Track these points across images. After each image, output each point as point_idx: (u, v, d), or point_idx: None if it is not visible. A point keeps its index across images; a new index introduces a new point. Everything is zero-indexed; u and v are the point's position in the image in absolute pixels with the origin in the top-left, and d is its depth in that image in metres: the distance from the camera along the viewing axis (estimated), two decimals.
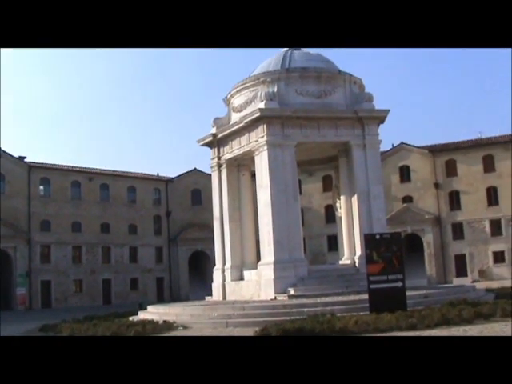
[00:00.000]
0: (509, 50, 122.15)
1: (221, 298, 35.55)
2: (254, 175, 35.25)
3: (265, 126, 32.45)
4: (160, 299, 69.25)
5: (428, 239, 69.51)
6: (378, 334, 19.95)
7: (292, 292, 30.32)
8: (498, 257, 68.18)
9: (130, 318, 30.82)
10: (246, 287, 33.96)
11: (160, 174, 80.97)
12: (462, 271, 68.48)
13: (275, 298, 30.48)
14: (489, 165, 69.54)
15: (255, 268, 33.78)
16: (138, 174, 78.41)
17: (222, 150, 36.77)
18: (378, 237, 25.84)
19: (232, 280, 35.66)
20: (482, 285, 45.61)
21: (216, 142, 36.86)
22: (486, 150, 70.15)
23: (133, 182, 75.46)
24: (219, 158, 36.91)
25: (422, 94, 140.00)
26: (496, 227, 68.55)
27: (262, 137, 32.56)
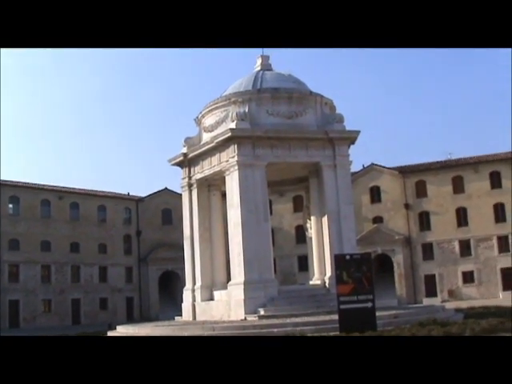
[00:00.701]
0: (476, 72, 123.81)
1: (191, 319, 35.41)
2: (224, 195, 35.23)
3: (236, 146, 32.48)
4: (130, 319, 68.71)
5: (398, 259, 69.82)
6: None
7: (262, 312, 30.27)
8: (467, 277, 68.71)
9: None
10: (216, 307, 33.85)
11: (131, 194, 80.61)
12: (431, 291, 68.78)
13: (245, 318, 30.40)
14: (458, 186, 70.24)
15: (225, 288, 33.68)
16: (109, 192, 77.95)
17: (192, 169, 36.74)
18: (348, 257, 25.94)
19: (202, 300, 35.53)
20: (451, 305, 45.86)
21: (187, 162, 36.82)
22: (456, 171, 70.89)
23: (103, 201, 75.02)
24: (190, 178, 36.87)
25: (392, 115, 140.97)
26: (465, 248, 69.13)
27: (233, 157, 32.58)
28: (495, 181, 69.61)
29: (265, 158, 33.06)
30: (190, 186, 36.98)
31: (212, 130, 35.13)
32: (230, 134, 32.13)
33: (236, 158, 32.42)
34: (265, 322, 28.44)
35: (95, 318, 68.33)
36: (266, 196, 34.07)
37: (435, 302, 56.75)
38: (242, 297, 31.15)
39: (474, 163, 70.83)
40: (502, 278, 67.74)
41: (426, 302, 61.40)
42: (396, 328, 24.52)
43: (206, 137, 35.76)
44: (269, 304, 31.21)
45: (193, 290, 36.17)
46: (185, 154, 36.62)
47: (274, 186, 38.55)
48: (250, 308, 30.73)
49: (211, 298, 35.41)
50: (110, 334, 32.45)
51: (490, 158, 71.04)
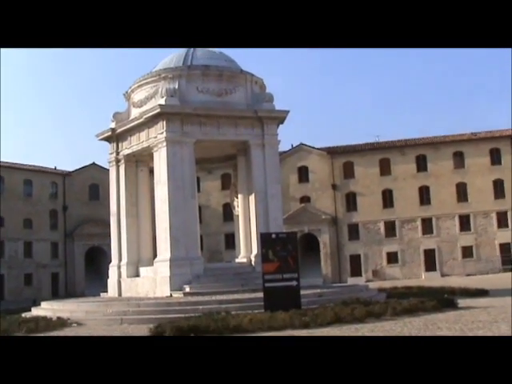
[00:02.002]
0: (405, 56, 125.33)
1: (116, 295, 35.20)
2: (152, 171, 34.97)
3: (164, 122, 32.29)
4: (55, 295, 67.77)
5: (324, 239, 70.53)
6: (272, 333, 20.23)
7: (187, 289, 30.30)
8: (392, 257, 70.01)
9: (23, 315, 30.10)
10: (142, 284, 33.72)
11: (58, 168, 79.20)
12: (356, 271, 69.80)
13: (171, 295, 30.40)
14: (385, 168, 71.32)
15: (151, 265, 33.54)
16: (35, 166, 76.36)
17: (120, 145, 36.37)
18: (274, 236, 26.12)
19: (128, 277, 35.34)
20: (375, 284, 46.60)
21: (115, 137, 36.42)
22: (383, 153, 71.92)
23: (29, 175, 73.43)
24: (118, 154, 36.50)
25: (323, 96, 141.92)
26: (390, 229, 70.35)
27: (162, 133, 32.39)
28: (421, 164, 71.01)
29: (193, 135, 32.94)
30: (117, 161, 36.61)
31: (141, 106, 34.82)
32: (158, 109, 31.90)
33: (164, 135, 32.22)
34: (190, 299, 28.48)
35: (19, 295, 67.09)
36: (194, 173, 34.04)
37: (360, 281, 57.63)
38: (168, 274, 31.11)
39: (401, 146, 72.09)
40: (424, 259, 69.24)
41: (351, 281, 62.25)
42: (320, 307, 24.80)
43: (134, 112, 35.41)
44: (194, 281, 31.23)
45: (119, 267, 35.92)
46: (113, 129, 36.20)
47: (202, 163, 38.43)
48: (175, 285, 30.72)
49: (137, 275, 35.23)
50: (34, 310, 32.05)
51: (417, 142, 72.40)
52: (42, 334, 19.93)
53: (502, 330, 15.75)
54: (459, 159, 70.84)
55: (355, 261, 70.42)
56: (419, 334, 17.70)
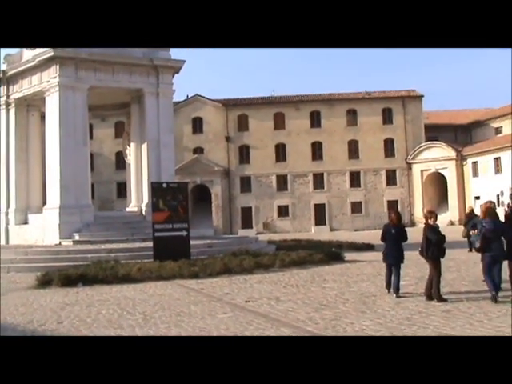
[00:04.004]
0: None
1: (3, 242, 34.42)
2: (44, 116, 34.13)
3: (58, 66, 31.51)
4: None
5: (216, 191, 70.61)
6: (161, 281, 20.33)
7: (77, 238, 30.00)
8: (282, 211, 70.85)
9: None
10: (31, 232, 33.14)
11: None
12: (247, 223, 70.34)
13: (60, 243, 30.00)
14: (279, 122, 71.68)
15: (41, 212, 32.95)
16: None
17: (11, 88, 35.32)
18: (164, 185, 26.07)
19: (16, 224, 34.63)
20: (265, 237, 47.22)
21: (5, 80, 35.30)
22: (278, 107, 72.19)
23: None
24: (8, 97, 35.43)
25: (220, 48, 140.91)
26: (282, 182, 71.03)
27: (54, 77, 31.62)
28: (315, 120, 71.73)
29: (87, 80, 32.31)
30: (7, 104, 35.55)
31: (34, 48, 33.81)
32: (52, 53, 31.04)
33: (57, 79, 31.48)
34: (79, 247, 28.20)
35: None
36: (87, 120, 33.46)
37: (250, 233, 58.08)
38: (57, 221, 30.65)
39: (296, 102, 72.49)
40: (314, 213, 70.46)
41: (242, 233, 62.65)
42: (209, 257, 25.03)
43: (27, 54, 34.28)
44: (84, 229, 30.92)
45: (6, 213, 35.12)
46: (3, 72, 35.10)
47: (95, 110, 37.83)
48: (64, 233, 30.33)
49: (26, 222, 34.57)
50: None
51: (312, 98, 72.98)
52: None
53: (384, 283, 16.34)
54: (352, 117, 72.01)
55: (246, 213, 70.92)
56: (307, 286, 18.15)
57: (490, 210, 14.89)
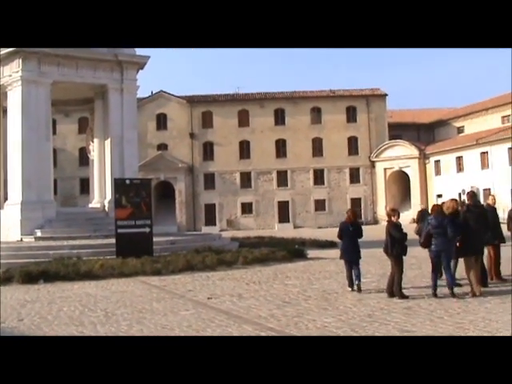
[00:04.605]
0: None
1: None
2: (6, 111, 33.74)
3: (20, 60, 31.15)
4: None
5: (180, 187, 70.41)
6: (123, 278, 20.25)
7: (39, 234, 29.72)
8: (246, 208, 70.88)
9: None
10: None
11: None
12: (211, 220, 70.28)
13: (21, 239, 29.69)
14: (243, 119, 71.70)
15: (2, 208, 32.57)
16: None
17: None
18: (128, 182, 25.99)
19: None
20: (229, 234, 47.19)
21: None
22: (242, 105, 72.19)
23: None
24: None
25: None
26: (246, 179, 71.06)
27: (17, 72, 31.27)
28: (279, 117, 71.89)
29: (51, 75, 31.99)
30: None
31: None
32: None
33: (20, 73, 31.14)
34: (41, 243, 27.97)
35: None
36: (50, 115, 33.14)
37: (214, 230, 57.97)
38: (19, 217, 30.32)
39: (261, 99, 72.58)
40: (278, 211, 70.60)
41: (205, 230, 62.54)
42: (172, 254, 24.98)
43: None
44: (46, 226, 30.62)
45: None
46: None
47: (58, 105, 37.51)
48: (26, 229, 30.01)
49: None
50: None
51: (276, 96, 73.13)
52: None
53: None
54: (316, 115, 72.27)
55: (210, 210, 70.86)
56: (269, 283, 18.19)
57: (436, 207, 15.23)
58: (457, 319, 11.50)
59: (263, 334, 10.77)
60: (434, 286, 14.41)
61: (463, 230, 14.38)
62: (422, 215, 16.47)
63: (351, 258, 16.20)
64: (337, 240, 17.69)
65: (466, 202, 15.87)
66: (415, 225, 20.10)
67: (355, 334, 10.48)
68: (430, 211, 16.07)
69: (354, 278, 15.98)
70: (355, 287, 15.83)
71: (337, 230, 16.83)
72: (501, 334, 10.08)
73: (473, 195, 15.75)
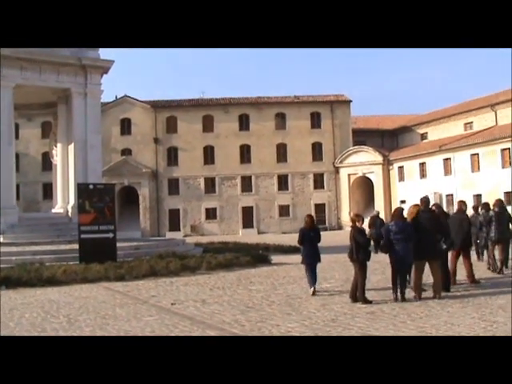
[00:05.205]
0: None
1: None
2: None
3: None
4: None
5: (144, 193, 70.12)
6: (86, 284, 20.11)
7: (1, 239, 29.36)
8: (210, 213, 70.75)
9: None
10: None
11: None
12: (175, 225, 70.01)
13: None
14: (208, 125, 71.58)
15: None
16: None
17: None
18: (91, 187, 25.81)
19: None
20: (193, 239, 47.09)
21: None
22: (207, 110, 72.11)
23: None
24: None
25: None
26: (210, 185, 70.96)
27: None
28: (244, 123, 71.92)
29: (13, 79, 31.68)
30: None
31: None
32: None
33: None
34: (3, 249, 27.54)
35: None
36: (12, 119, 32.80)
37: (178, 236, 57.84)
38: None
39: (225, 104, 72.57)
40: (242, 216, 70.59)
41: (170, 235, 62.36)
42: (136, 259, 24.87)
43: None
44: (8, 231, 30.32)
45: None
46: None
47: (21, 109, 37.24)
48: None
49: None
50: None
51: (241, 101, 73.18)
52: None
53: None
54: (281, 121, 72.40)
55: (174, 215, 70.61)
56: (233, 288, 18.20)
57: (396, 212, 15.43)
58: (419, 323, 11.59)
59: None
60: (395, 291, 14.57)
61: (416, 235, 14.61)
62: (374, 221, 16.68)
63: (313, 261, 16.65)
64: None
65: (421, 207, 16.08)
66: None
67: None
68: (391, 216, 16.23)
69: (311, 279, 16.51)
70: (313, 286, 16.36)
71: None
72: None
73: (426, 201, 15.93)
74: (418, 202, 16.79)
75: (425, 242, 14.62)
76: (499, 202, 21.19)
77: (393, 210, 17.70)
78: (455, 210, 18.74)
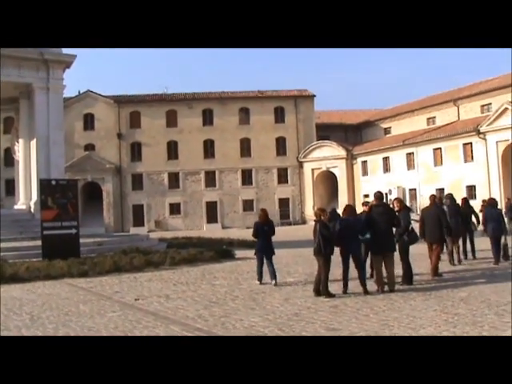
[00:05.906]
0: None
1: None
2: None
3: None
4: None
5: (107, 188, 69.74)
6: (49, 281, 19.99)
7: None
8: (174, 208, 70.61)
9: None
10: None
11: None
12: (139, 221, 69.77)
13: None
14: (171, 120, 71.39)
15: None
16: None
17: None
18: (54, 183, 25.64)
19: None
20: (157, 235, 47.06)
21: None
22: (170, 105, 71.91)
23: None
24: None
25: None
26: (174, 180, 70.81)
27: None
28: (207, 118, 71.82)
29: None
30: None
31: None
32: None
33: None
34: None
35: None
36: None
37: (142, 231, 57.50)
38: None
39: (189, 99, 72.42)
40: (206, 211, 70.55)
41: (134, 231, 62.00)
42: (99, 255, 24.78)
43: None
44: None
45: None
46: None
47: None
48: None
49: None
50: None
51: (204, 96, 73.08)
52: None
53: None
54: (245, 115, 72.45)
55: (138, 211, 70.38)
56: (197, 283, 18.22)
57: (348, 207, 15.73)
58: (382, 317, 11.72)
59: (190, 334, 10.79)
60: (345, 285, 15.06)
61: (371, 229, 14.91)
62: (332, 215, 16.82)
63: (267, 255, 17.46)
64: None
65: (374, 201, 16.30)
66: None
67: (282, 334, 10.60)
68: (342, 212, 16.44)
69: (269, 274, 17.16)
70: (263, 281, 17.25)
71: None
72: (424, 330, 10.31)
73: (379, 196, 16.10)
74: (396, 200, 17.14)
75: (378, 236, 14.88)
76: (450, 196, 21.91)
77: (358, 204, 17.90)
78: (428, 205, 18.97)
